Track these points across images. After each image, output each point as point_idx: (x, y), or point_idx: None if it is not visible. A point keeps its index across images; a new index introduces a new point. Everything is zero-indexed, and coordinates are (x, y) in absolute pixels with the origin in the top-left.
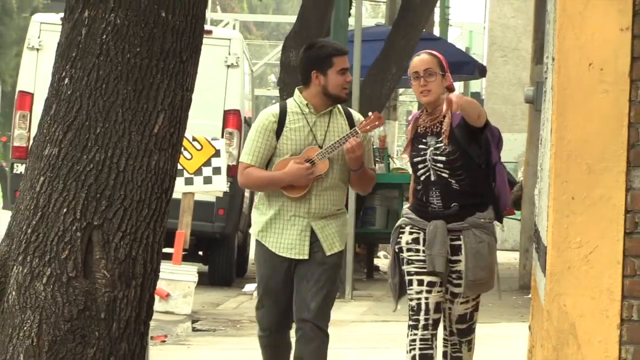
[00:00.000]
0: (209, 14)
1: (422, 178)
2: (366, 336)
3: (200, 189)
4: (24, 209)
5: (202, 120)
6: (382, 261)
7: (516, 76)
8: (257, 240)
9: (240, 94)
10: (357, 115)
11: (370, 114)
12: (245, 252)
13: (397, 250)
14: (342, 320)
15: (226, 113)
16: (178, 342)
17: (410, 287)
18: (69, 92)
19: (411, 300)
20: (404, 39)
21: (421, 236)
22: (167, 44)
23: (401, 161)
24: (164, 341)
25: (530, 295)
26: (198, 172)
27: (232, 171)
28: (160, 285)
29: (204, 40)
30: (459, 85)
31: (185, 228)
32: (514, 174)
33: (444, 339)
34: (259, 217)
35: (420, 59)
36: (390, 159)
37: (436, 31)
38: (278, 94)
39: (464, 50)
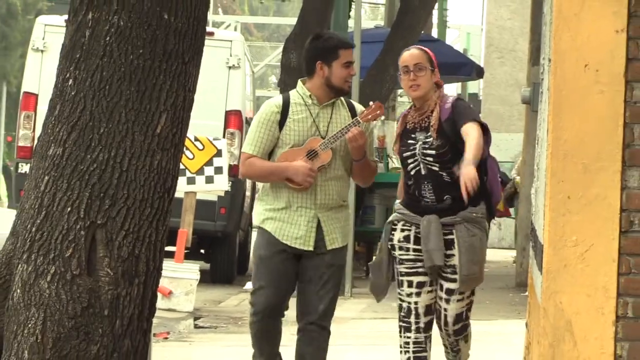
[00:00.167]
0: (211, 16)
1: (412, 172)
2: (365, 333)
3: (202, 188)
4: (28, 207)
5: (204, 121)
6: None
7: (513, 77)
8: (260, 228)
9: (241, 94)
10: (359, 107)
11: (371, 103)
12: (246, 250)
13: (389, 247)
14: (342, 318)
15: (228, 113)
16: (180, 339)
17: (401, 288)
18: (73, 93)
19: (402, 301)
20: (402, 41)
21: (412, 233)
22: (169, 46)
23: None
24: (166, 338)
25: (526, 293)
26: (200, 171)
27: (233, 170)
28: (163, 283)
29: (206, 42)
30: (456, 87)
31: (188, 227)
32: (508, 172)
33: (442, 337)
34: (262, 207)
35: (411, 54)
36: (389, 158)
37: (434, 33)
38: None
39: (461, 51)
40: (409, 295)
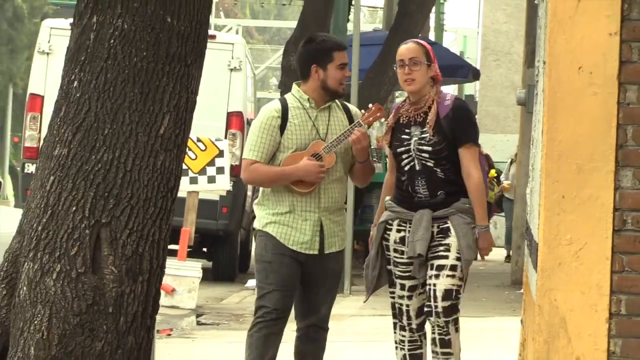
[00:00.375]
0: (213, 20)
1: (406, 168)
2: (365, 330)
3: (205, 188)
4: (34, 207)
5: (206, 122)
6: None
7: (508, 79)
8: (261, 232)
9: (242, 96)
10: (354, 109)
11: (370, 105)
12: (247, 249)
13: (384, 246)
14: (341, 315)
15: (229, 115)
16: (183, 335)
17: (393, 289)
18: (78, 95)
19: (393, 299)
20: (400, 44)
21: (406, 234)
22: (172, 49)
23: None
24: (169, 334)
25: (522, 291)
26: (202, 171)
27: (235, 171)
28: (166, 280)
29: (208, 45)
30: (453, 88)
31: (190, 225)
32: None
33: (432, 325)
34: (264, 212)
35: (407, 48)
36: (387, 158)
37: (432, 36)
38: (279, 97)
39: (458, 54)
40: (401, 297)
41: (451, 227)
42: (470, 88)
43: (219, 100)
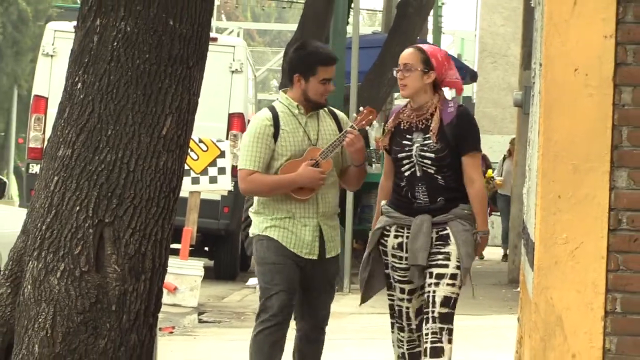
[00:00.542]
0: (215, 22)
1: (406, 174)
2: (364, 327)
3: (206, 188)
4: (39, 207)
5: (208, 123)
6: None
7: (505, 81)
8: (262, 236)
9: (244, 98)
10: (341, 114)
11: (362, 109)
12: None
13: (382, 251)
14: (341, 313)
15: (231, 116)
16: (185, 333)
17: (392, 292)
18: (81, 96)
19: (392, 302)
20: (399, 46)
21: (404, 239)
22: (174, 51)
23: None
24: (171, 332)
25: (518, 289)
26: (204, 172)
27: (236, 171)
28: (168, 279)
29: (210, 47)
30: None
31: (192, 225)
32: (497, 172)
33: (425, 334)
34: (261, 218)
35: (405, 53)
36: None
37: (430, 38)
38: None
39: (456, 56)
40: (401, 300)
41: (450, 234)
42: (467, 90)
43: (220, 102)
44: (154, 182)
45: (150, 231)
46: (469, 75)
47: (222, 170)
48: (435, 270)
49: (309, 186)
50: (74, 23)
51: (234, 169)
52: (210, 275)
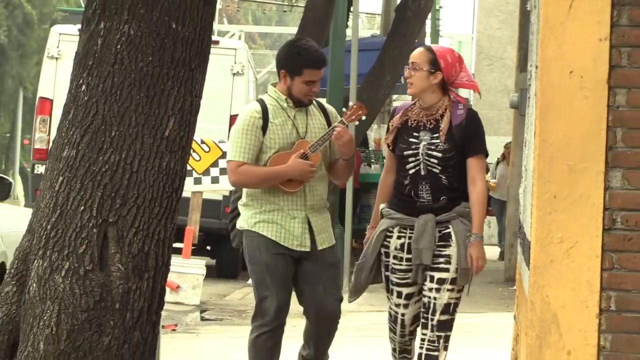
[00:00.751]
0: (216, 26)
1: (410, 172)
2: (363, 325)
3: (208, 188)
4: (44, 206)
5: (210, 124)
6: None
7: (502, 83)
8: (251, 232)
9: (245, 99)
10: (330, 108)
11: (351, 103)
12: None
13: (384, 253)
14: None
15: (232, 117)
16: (187, 330)
17: (391, 296)
18: (85, 98)
19: (390, 307)
20: (397, 49)
21: (406, 240)
22: (177, 53)
23: None
24: (174, 330)
25: (515, 287)
26: (206, 172)
27: None
28: (171, 277)
29: (212, 50)
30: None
31: (194, 224)
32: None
33: (421, 340)
34: (251, 212)
35: (415, 52)
36: (384, 160)
37: (428, 41)
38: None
39: None
40: (397, 305)
41: (452, 234)
42: (464, 92)
43: (222, 104)
44: (157, 183)
45: (153, 230)
46: None
47: (223, 171)
48: (437, 275)
49: (298, 178)
50: (79, 26)
51: None
52: (212, 273)
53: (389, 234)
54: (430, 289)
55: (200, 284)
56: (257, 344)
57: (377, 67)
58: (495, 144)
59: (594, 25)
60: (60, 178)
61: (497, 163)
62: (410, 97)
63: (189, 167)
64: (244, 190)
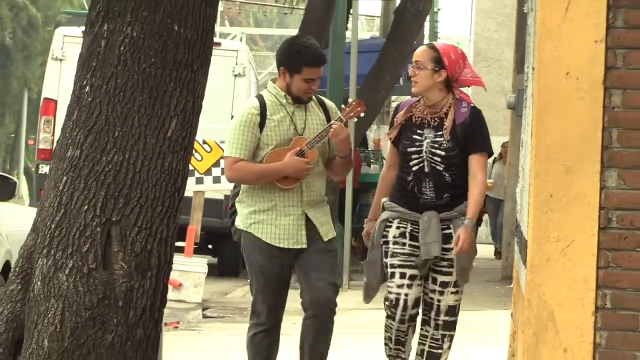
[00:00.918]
0: (218, 28)
1: (414, 168)
2: (363, 323)
3: (210, 188)
4: (48, 206)
5: (212, 125)
6: None
7: (499, 84)
8: (247, 233)
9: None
10: (330, 103)
11: (350, 100)
12: None
13: (382, 243)
14: (340, 309)
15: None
16: (190, 328)
17: (392, 280)
18: (89, 99)
19: (390, 292)
20: (396, 51)
21: (407, 230)
22: (179, 55)
23: None
24: (176, 327)
25: (512, 285)
26: (208, 172)
27: None
28: (173, 275)
29: (214, 52)
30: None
31: (196, 223)
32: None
33: (423, 336)
34: (245, 210)
35: (419, 50)
36: (384, 160)
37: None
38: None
39: None
40: (400, 286)
41: (454, 235)
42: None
43: (223, 104)
44: (159, 182)
45: (155, 229)
46: None
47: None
48: (440, 278)
49: (294, 176)
50: (82, 28)
51: None
52: (214, 272)
53: (388, 223)
54: (434, 291)
55: (202, 282)
56: (254, 342)
57: (376, 69)
58: (492, 144)
59: (590, 27)
60: (64, 178)
61: (494, 162)
62: (410, 97)
63: (191, 167)
64: (242, 186)
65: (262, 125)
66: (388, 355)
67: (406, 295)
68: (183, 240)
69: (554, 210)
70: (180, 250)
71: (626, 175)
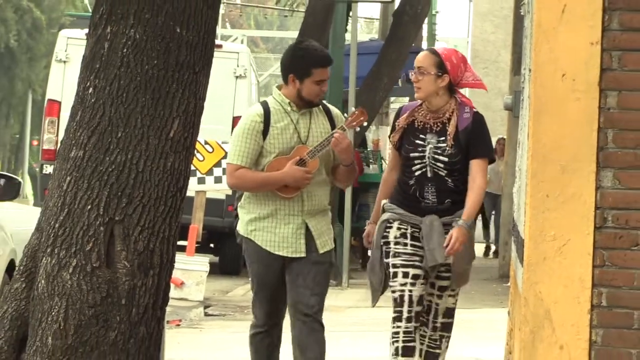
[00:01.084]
0: (220, 30)
1: (416, 173)
2: (361, 320)
3: (211, 188)
4: (52, 205)
5: (213, 126)
6: None
7: (496, 86)
8: (247, 239)
9: (247, 101)
10: (335, 111)
11: (353, 109)
12: None
13: (382, 244)
14: (339, 307)
15: (235, 119)
16: (191, 325)
17: (395, 280)
18: (93, 100)
19: (394, 292)
20: (395, 53)
21: (408, 231)
22: (181, 57)
23: None
24: (178, 325)
25: (509, 284)
26: (209, 172)
27: None
28: (176, 274)
29: (215, 54)
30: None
31: (198, 223)
32: None
33: (421, 336)
34: (246, 216)
35: (420, 55)
36: (382, 160)
37: (424, 45)
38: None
39: None
40: (403, 284)
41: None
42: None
43: (225, 106)
44: (161, 182)
45: (158, 229)
46: None
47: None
48: (438, 283)
49: (293, 185)
50: (86, 31)
51: None
52: (216, 270)
53: (388, 225)
54: (432, 294)
55: (204, 280)
56: (255, 342)
57: (375, 70)
58: None
59: (585, 29)
60: (68, 178)
61: None
62: (408, 98)
63: (193, 167)
64: (244, 192)
65: (265, 132)
66: None
67: (410, 291)
68: (185, 239)
69: (550, 209)
70: (182, 249)
71: (621, 175)
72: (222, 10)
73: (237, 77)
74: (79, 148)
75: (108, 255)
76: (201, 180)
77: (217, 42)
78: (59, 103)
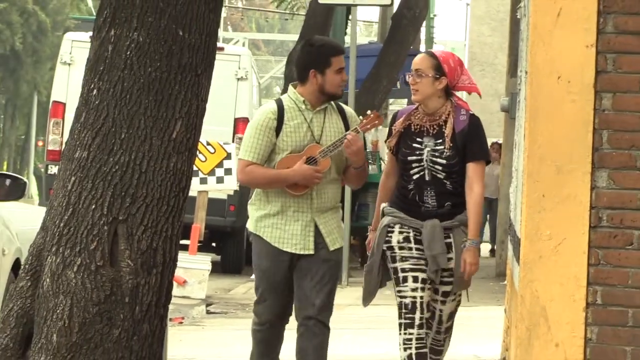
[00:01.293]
0: (221, 33)
1: (415, 177)
2: (361, 318)
3: (214, 188)
4: (57, 205)
5: (215, 127)
6: None
7: (493, 88)
8: (256, 235)
9: (248, 103)
10: (349, 110)
11: (369, 112)
12: None
13: (385, 248)
14: (339, 305)
15: (236, 120)
16: (194, 323)
17: (405, 284)
18: (97, 102)
19: (405, 297)
20: (393, 55)
21: (411, 235)
22: (184, 59)
23: None
24: (181, 322)
25: (505, 282)
26: (211, 172)
27: None
28: (178, 272)
29: (217, 56)
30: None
31: (200, 222)
32: None
33: (426, 334)
34: (256, 213)
35: (418, 58)
36: (381, 161)
37: (422, 48)
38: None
39: None
40: (415, 290)
41: (453, 245)
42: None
43: (227, 107)
44: (164, 182)
45: (161, 228)
46: None
47: (228, 171)
48: (442, 288)
49: (303, 183)
50: (90, 33)
51: None
52: (218, 269)
53: (390, 229)
54: (435, 301)
55: (206, 278)
56: (257, 337)
57: (374, 73)
58: None
59: (581, 32)
60: (73, 178)
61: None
62: (407, 100)
63: (195, 168)
64: (254, 189)
65: (278, 130)
66: None
67: (421, 297)
68: (187, 238)
69: (546, 209)
70: (185, 248)
71: (616, 176)
72: (223, 14)
73: (238, 79)
74: (83, 149)
75: (112, 254)
76: (203, 181)
77: (219, 44)
78: (64, 105)
